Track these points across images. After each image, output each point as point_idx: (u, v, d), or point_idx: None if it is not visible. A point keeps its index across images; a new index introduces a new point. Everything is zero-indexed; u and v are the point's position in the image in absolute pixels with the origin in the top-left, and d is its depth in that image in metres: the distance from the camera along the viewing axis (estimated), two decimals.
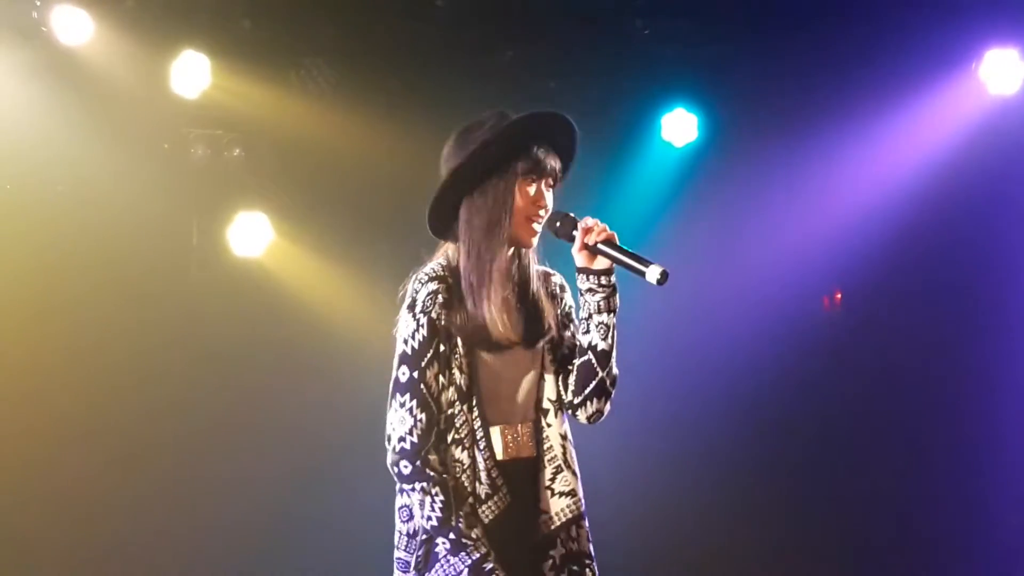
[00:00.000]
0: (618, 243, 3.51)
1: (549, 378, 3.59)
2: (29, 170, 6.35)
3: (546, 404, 3.58)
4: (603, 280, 3.52)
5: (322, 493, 6.74)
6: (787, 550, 7.10)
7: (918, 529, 7.06)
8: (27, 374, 6.43)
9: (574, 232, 3.53)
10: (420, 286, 3.50)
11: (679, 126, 7.11)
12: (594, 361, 3.54)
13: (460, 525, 3.38)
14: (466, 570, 3.37)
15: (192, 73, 6.45)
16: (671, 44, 6.91)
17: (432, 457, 3.41)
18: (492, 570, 3.36)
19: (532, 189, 3.53)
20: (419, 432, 3.41)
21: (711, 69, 6.95)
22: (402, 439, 3.42)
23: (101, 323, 6.56)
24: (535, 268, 3.63)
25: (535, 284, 3.61)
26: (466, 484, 3.43)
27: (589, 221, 3.52)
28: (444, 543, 3.41)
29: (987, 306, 7.09)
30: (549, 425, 3.56)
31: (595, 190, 6.99)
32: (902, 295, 7.08)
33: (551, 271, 3.68)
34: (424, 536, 3.45)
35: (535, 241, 3.56)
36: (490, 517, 3.44)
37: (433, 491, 3.40)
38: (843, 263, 7.13)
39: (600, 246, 3.49)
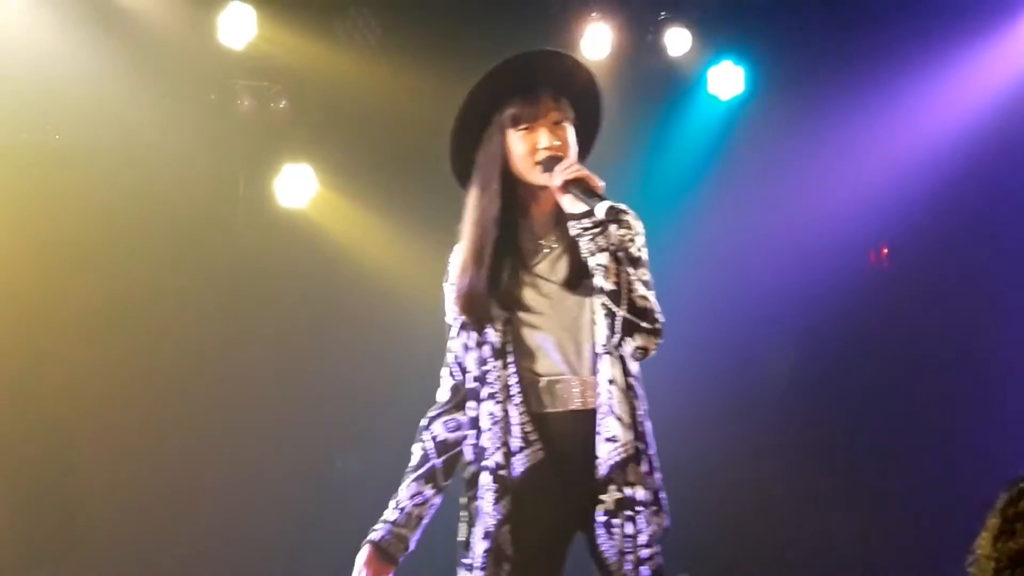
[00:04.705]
0: (591, 183, 3.38)
1: (600, 323, 3.48)
2: (77, 120, 6.36)
3: (598, 349, 3.50)
4: (584, 223, 3.41)
5: (366, 446, 6.75)
6: (830, 513, 7.04)
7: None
8: (74, 324, 6.48)
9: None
10: (452, 256, 3.62)
11: (725, 79, 7.06)
12: (608, 301, 3.43)
13: (401, 492, 3.59)
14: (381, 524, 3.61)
15: (238, 24, 6.45)
16: None
17: (436, 426, 3.60)
18: (384, 536, 3.58)
19: (528, 134, 3.48)
20: (437, 397, 3.63)
21: (758, 21, 6.90)
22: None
23: (148, 272, 6.59)
24: None
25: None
26: (499, 435, 3.46)
27: (562, 164, 3.43)
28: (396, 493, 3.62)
29: None
30: (597, 371, 3.49)
31: (640, 144, 6.98)
32: (949, 250, 7.02)
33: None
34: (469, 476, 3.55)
35: (557, 181, 3.43)
36: (521, 469, 3.46)
37: (412, 455, 3.62)
38: (890, 218, 7.07)
39: (571, 187, 3.39)
